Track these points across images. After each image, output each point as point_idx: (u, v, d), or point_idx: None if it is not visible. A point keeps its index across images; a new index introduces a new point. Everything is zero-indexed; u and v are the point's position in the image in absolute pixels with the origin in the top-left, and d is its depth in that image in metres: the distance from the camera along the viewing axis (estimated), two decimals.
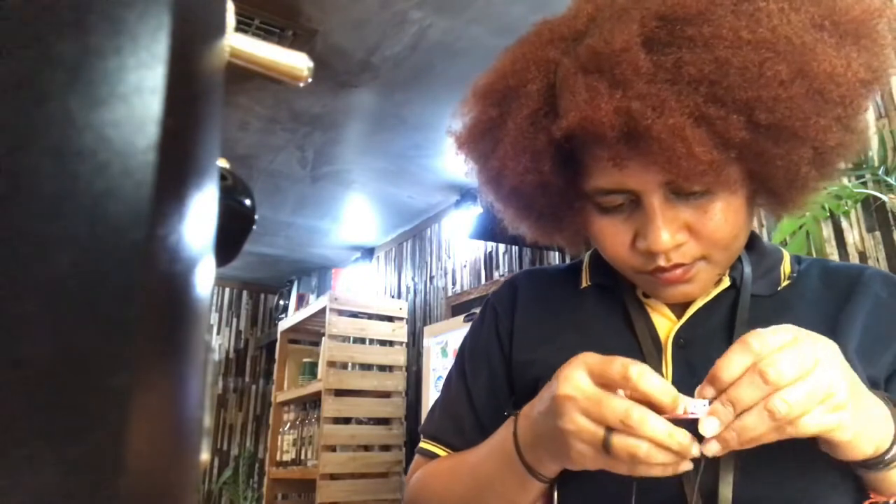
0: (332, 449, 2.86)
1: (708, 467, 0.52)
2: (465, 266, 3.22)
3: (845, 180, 1.69)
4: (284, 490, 3.31)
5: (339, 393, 2.93)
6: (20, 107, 0.13)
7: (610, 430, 0.46)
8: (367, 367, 3.12)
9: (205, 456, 0.19)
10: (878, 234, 1.68)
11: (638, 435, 0.45)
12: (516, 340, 0.71)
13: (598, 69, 0.51)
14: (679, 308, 0.64)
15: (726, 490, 0.53)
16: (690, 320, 0.63)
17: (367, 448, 2.99)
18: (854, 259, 1.71)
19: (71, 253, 0.13)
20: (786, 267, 0.66)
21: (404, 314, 3.23)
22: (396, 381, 3.10)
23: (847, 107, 0.50)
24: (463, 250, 3.25)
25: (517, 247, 2.87)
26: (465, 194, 3.18)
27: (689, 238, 0.56)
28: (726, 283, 0.64)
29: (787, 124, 0.49)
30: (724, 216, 0.55)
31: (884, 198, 1.53)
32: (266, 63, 0.26)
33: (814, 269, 0.66)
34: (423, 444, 0.74)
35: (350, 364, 3.06)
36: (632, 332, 0.64)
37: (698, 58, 0.48)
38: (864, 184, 1.61)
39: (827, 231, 1.77)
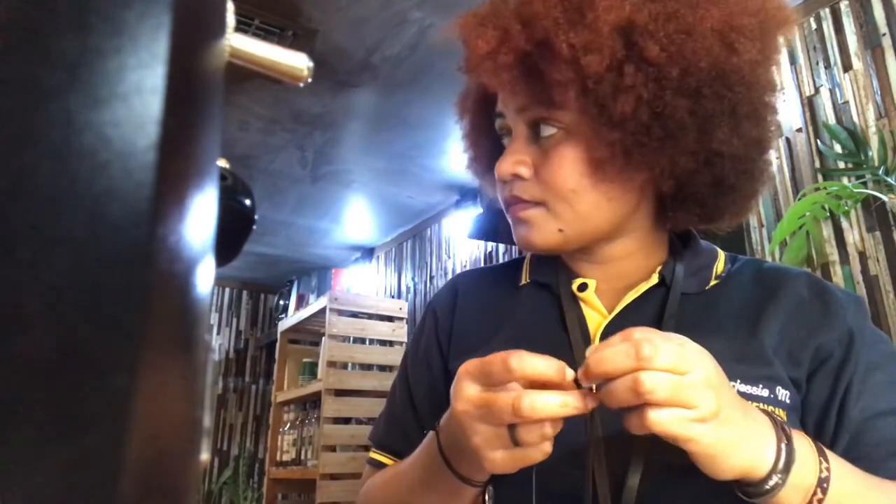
0: (332, 449, 2.86)
1: (619, 459, 0.57)
2: (464, 266, 3.22)
3: (845, 180, 1.69)
4: (284, 490, 3.31)
5: (339, 393, 2.92)
6: (20, 107, 0.13)
7: (512, 426, 0.48)
8: (367, 367, 3.12)
9: (205, 456, 0.19)
10: (878, 234, 1.67)
11: (536, 420, 0.47)
12: (454, 344, 0.73)
13: (482, 23, 0.64)
14: (611, 304, 0.67)
15: (633, 478, 0.56)
16: (619, 315, 0.65)
17: (367, 448, 2.98)
18: (854, 259, 1.71)
19: (71, 253, 0.13)
20: (718, 266, 0.69)
21: (404, 314, 3.23)
22: None
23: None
24: (463, 250, 3.26)
25: (517, 246, 2.87)
26: (465, 194, 3.19)
27: (533, 177, 0.63)
28: (654, 279, 0.66)
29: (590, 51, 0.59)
30: (561, 162, 0.62)
31: (884, 198, 1.53)
32: (266, 63, 0.26)
33: (747, 269, 0.69)
34: (372, 454, 0.76)
35: (350, 364, 3.06)
36: (564, 327, 0.66)
37: (541, 20, 0.60)
38: (864, 184, 1.61)
39: (827, 231, 1.77)
